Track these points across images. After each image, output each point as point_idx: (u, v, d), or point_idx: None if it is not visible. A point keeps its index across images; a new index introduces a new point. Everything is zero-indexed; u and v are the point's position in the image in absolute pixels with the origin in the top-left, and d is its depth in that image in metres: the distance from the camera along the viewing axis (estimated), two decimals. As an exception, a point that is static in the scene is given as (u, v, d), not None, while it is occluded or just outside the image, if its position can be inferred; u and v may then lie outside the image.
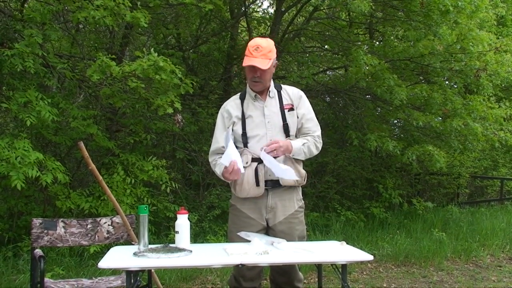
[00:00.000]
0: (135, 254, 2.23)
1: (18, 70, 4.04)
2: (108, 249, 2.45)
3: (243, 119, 2.67)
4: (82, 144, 3.00)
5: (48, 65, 4.60)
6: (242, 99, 2.73)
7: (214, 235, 5.57)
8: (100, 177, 3.12)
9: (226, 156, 2.48)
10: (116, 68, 4.10)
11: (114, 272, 3.65)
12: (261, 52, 2.57)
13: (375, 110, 7.76)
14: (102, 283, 2.91)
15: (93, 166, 3.02)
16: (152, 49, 4.20)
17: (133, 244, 2.94)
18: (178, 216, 2.43)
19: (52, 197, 4.98)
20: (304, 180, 2.71)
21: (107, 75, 4.23)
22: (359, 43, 7.48)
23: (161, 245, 2.38)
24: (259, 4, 9.28)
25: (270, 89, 2.72)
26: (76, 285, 2.88)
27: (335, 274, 3.68)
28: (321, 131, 2.81)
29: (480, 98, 7.01)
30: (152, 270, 3.05)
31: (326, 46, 8.56)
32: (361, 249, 2.55)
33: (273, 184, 2.61)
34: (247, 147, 2.64)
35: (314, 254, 2.29)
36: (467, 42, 6.29)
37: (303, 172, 2.70)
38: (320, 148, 2.75)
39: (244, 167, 2.54)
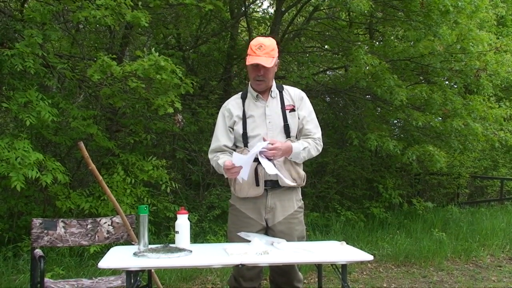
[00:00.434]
0: (135, 254, 2.23)
1: (18, 70, 4.04)
2: (108, 249, 2.45)
3: (244, 118, 2.67)
4: (82, 144, 3.00)
5: (48, 65, 4.60)
6: (244, 98, 2.73)
7: (214, 235, 5.57)
8: (100, 177, 3.12)
9: (240, 159, 2.47)
10: (117, 68, 4.10)
11: (114, 272, 3.65)
12: (265, 51, 2.58)
13: (375, 110, 7.76)
14: (102, 283, 2.91)
15: (93, 166, 3.02)
16: (153, 49, 4.20)
17: (133, 244, 2.94)
18: (178, 216, 2.43)
19: (52, 197, 4.98)
20: (304, 181, 2.71)
21: (107, 75, 4.22)
22: (359, 43, 7.47)
23: (161, 245, 2.38)
24: (259, 4, 9.28)
25: (272, 89, 2.72)
26: (76, 285, 2.88)
27: (335, 274, 3.68)
28: (321, 131, 2.81)
29: (480, 98, 7.01)
30: (152, 270, 3.05)
31: (326, 46, 8.57)
32: (361, 249, 2.55)
33: (273, 184, 2.61)
34: (247, 146, 2.64)
35: (314, 254, 2.29)
36: (467, 42, 6.29)
37: (303, 173, 2.70)
38: (320, 150, 2.75)
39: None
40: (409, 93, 6.64)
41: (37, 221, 2.93)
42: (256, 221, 2.65)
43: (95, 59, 4.35)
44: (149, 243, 2.39)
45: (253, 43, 2.62)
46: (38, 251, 2.81)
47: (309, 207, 6.85)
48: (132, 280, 2.14)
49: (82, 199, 4.85)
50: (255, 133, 2.64)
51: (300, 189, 2.79)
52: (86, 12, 4.07)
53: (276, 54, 2.65)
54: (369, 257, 2.28)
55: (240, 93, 2.79)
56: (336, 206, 7.15)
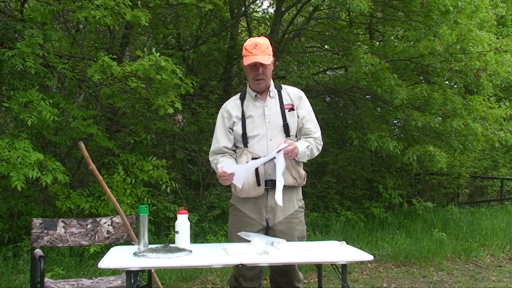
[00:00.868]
0: (135, 254, 2.23)
1: (18, 70, 4.04)
2: (108, 249, 2.45)
3: (243, 119, 2.67)
4: (82, 144, 3.00)
5: (48, 65, 4.60)
6: (242, 99, 2.73)
7: (214, 235, 5.57)
8: (100, 177, 3.12)
9: (235, 168, 2.51)
10: (117, 68, 4.10)
11: (114, 272, 3.65)
12: (261, 49, 2.58)
13: (375, 110, 7.76)
14: (102, 283, 2.91)
15: (93, 166, 3.02)
16: (154, 49, 4.20)
17: (133, 244, 2.94)
18: (178, 216, 2.43)
19: (52, 197, 4.98)
20: (304, 181, 2.72)
21: (107, 75, 4.23)
22: (359, 43, 7.47)
23: (161, 245, 2.38)
24: (259, 4, 9.29)
25: (270, 89, 2.72)
26: (76, 285, 2.88)
27: (335, 274, 3.68)
28: (321, 131, 2.81)
29: (480, 98, 7.01)
30: (152, 270, 3.05)
31: (326, 46, 8.56)
32: (361, 249, 2.56)
33: (273, 184, 2.61)
34: (247, 147, 2.64)
35: (314, 254, 2.29)
36: (467, 42, 6.29)
37: (303, 172, 2.70)
38: (320, 150, 2.76)
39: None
40: (409, 92, 6.64)
41: (37, 221, 2.93)
42: (256, 221, 2.65)
43: (95, 59, 4.35)
44: (149, 243, 2.39)
45: (247, 43, 2.63)
46: (38, 251, 2.81)
47: (309, 207, 6.85)
48: (132, 280, 2.14)
49: (82, 199, 4.85)
50: (255, 133, 2.64)
51: (300, 188, 2.79)
52: (85, 12, 4.07)
53: (271, 52, 2.66)
54: (369, 257, 2.28)
55: (239, 94, 2.80)
56: (336, 206, 7.15)
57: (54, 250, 4.64)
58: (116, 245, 2.87)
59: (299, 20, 8.66)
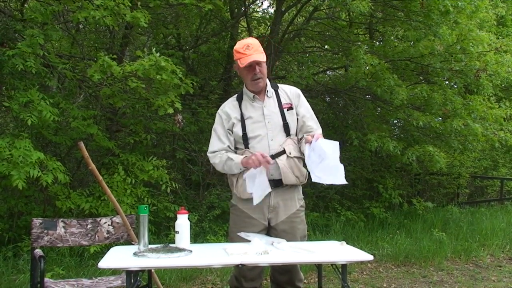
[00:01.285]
0: (135, 254, 2.23)
1: (19, 70, 4.04)
2: (108, 249, 2.45)
3: (243, 120, 2.66)
4: (82, 144, 3.00)
5: (49, 65, 4.60)
6: (240, 100, 2.72)
7: (214, 235, 5.57)
8: (100, 177, 3.12)
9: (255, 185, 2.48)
10: (117, 68, 4.10)
11: (114, 272, 3.65)
12: (253, 49, 2.58)
13: (375, 110, 7.76)
14: (102, 283, 2.91)
15: (93, 166, 3.02)
16: (154, 49, 4.20)
17: (133, 244, 2.94)
18: (178, 216, 2.43)
19: (52, 197, 4.98)
20: (305, 179, 2.71)
21: (107, 75, 4.23)
22: (359, 43, 7.47)
23: (161, 245, 2.38)
24: (259, 4, 9.28)
25: (267, 88, 2.72)
26: (76, 285, 2.88)
27: (335, 274, 3.68)
28: (321, 131, 2.81)
29: (480, 98, 7.01)
30: (152, 270, 3.05)
31: (326, 46, 8.57)
32: (361, 249, 2.55)
33: (276, 184, 2.61)
34: (248, 148, 2.64)
35: (314, 254, 2.29)
36: (467, 43, 6.29)
37: (304, 171, 2.70)
38: None
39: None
40: (409, 92, 6.63)
41: (37, 221, 2.93)
42: (258, 221, 2.65)
43: (95, 59, 4.35)
44: (149, 243, 2.39)
45: (238, 46, 2.62)
46: (38, 251, 2.81)
47: (309, 207, 6.85)
48: (132, 280, 2.14)
49: (82, 199, 4.85)
50: (256, 134, 2.64)
51: (301, 187, 2.79)
52: (85, 12, 4.07)
53: (263, 50, 2.66)
54: (369, 257, 2.28)
55: (235, 95, 2.78)
56: (336, 206, 7.15)
57: (54, 250, 4.64)
58: (116, 245, 2.87)
59: (299, 20, 8.66)
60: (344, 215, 6.79)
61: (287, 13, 7.90)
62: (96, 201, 4.87)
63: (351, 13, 7.77)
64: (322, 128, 2.82)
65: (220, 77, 7.94)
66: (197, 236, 5.51)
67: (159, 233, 5.50)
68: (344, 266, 2.26)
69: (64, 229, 3.01)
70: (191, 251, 2.29)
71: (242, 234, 2.56)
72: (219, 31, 7.77)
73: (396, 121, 8.08)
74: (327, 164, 2.38)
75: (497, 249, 5.90)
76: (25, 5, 5.91)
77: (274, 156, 2.58)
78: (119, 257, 2.22)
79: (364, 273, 4.93)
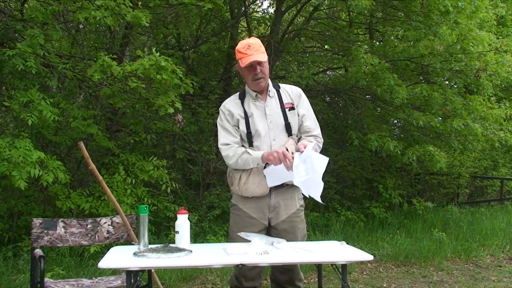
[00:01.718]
0: (135, 254, 2.23)
1: (19, 70, 4.04)
2: (108, 249, 2.45)
3: (246, 117, 2.66)
4: (82, 144, 3.00)
5: (49, 65, 4.60)
6: (242, 99, 2.72)
7: (214, 235, 5.57)
8: (100, 177, 3.12)
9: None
10: (117, 68, 4.10)
11: (114, 272, 3.65)
12: (254, 48, 2.58)
13: (375, 110, 7.76)
14: (102, 283, 2.91)
15: (93, 166, 3.02)
16: (154, 49, 4.20)
17: (133, 244, 2.94)
18: (178, 216, 2.43)
19: (52, 197, 4.98)
20: None
21: (107, 75, 4.23)
22: (359, 43, 7.47)
23: (161, 245, 2.38)
24: (259, 4, 9.28)
25: (269, 88, 2.72)
26: (76, 285, 2.89)
27: (335, 274, 3.68)
28: (321, 131, 2.81)
29: (480, 98, 7.01)
30: (152, 270, 3.05)
31: (326, 46, 8.57)
32: (361, 249, 2.55)
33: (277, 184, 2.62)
34: (252, 146, 2.63)
35: (314, 254, 2.29)
36: (467, 42, 6.29)
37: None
38: (321, 147, 2.76)
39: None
40: (409, 92, 6.63)
41: (37, 221, 2.93)
42: (258, 221, 2.65)
43: (95, 59, 4.35)
44: (149, 243, 2.38)
45: (239, 46, 2.62)
46: (38, 251, 2.81)
47: (309, 207, 6.85)
48: (132, 280, 2.14)
49: (82, 199, 4.85)
50: (258, 133, 2.64)
51: (300, 187, 2.79)
52: (86, 13, 4.07)
53: (265, 50, 2.66)
54: (369, 257, 2.28)
55: (237, 93, 2.78)
56: (336, 206, 7.15)
57: (54, 250, 4.64)
58: (116, 245, 2.88)
59: (299, 20, 8.66)
60: (344, 215, 6.79)
61: (287, 13, 7.91)
62: (96, 201, 4.87)
63: (351, 13, 7.77)
64: (322, 128, 2.83)
65: (220, 77, 7.94)
66: (197, 236, 5.51)
67: (159, 233, 5.50)
68: (344, 266, 2.26)
69: (64, 229, 3.01)
70: (191, 251, 2.29)
71: (242, 234, 2.56)
72: (219, 31, 7.77)
73: (396, 121, 8.08)
74: (311, 179, 2.45)
75: (497, 249, 5.90)
76: (25, 5, 5.91)
77: None
78: (119, 257, 2.22)
79: (364, 273, 4.93)
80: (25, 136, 4.13)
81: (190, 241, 2.47)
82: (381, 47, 7.53)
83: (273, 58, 6.59)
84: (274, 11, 7.59)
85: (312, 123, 2.74)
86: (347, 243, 2.51)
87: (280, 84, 2.81)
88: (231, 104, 2.72)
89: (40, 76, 4.60)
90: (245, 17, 7.71)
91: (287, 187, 2.65)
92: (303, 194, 2.60)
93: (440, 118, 6.97)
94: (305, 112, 2.73)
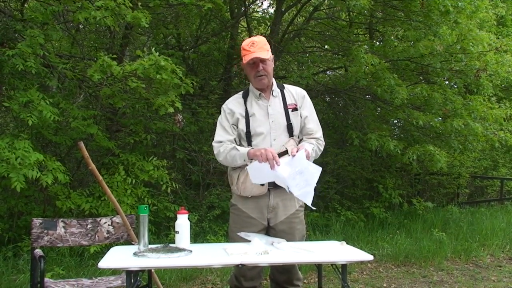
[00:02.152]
0: (135, 254, 2.23)
1: (19, 70, 4.04)
2: (108, 249, 2.45)
3: (247, 117, 2.66)
4: (82, 144, 3.00)
5: (49, 65, 4.60)
6: (245, 97, 2.72)
7: (214, 235, 5.57)
8: (100, 177, 3.12)
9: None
10: (117, 68, 4.10)
11: (114, 272, 3.65)
12: (258, 46, 2.60)
13: (375, 110, 7.77)
14: (102, 283, 2.91)
15: (93, 166, 3.02)
16: (153, 48, 4.20)
17: (133, 244, 2.94)
18: (178, 216, 2.43)
19: (52, 197, 4.98)
20: None
21: (107, 75, 4.23)
22: (359, 43, 7.47)
23: (161, 245, 2.38)
24: (259, 4, 9.28)
25: (273, 88, 2.72)
26: (76, 285, 2.89)
27: (335, 274, 3.68)
28: (321, 134, 2.81)
29: (480, 98, 7.01)
30: (152, 270, 3.05)
31: (326, 46, 8.57)
32: (361, 249, 2.55)
33: (275, 184, 2.61)
34: (251, 145, 2.63)
35: (314, 254, 2.29)
36: (467, 42, 6.29)
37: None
38: (322, 150, 2.76)
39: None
40: (409, 92, 6.64)
41: (37, 221, 2.93)
42: (258, 221, 2.65)
43: (95, 59, 4.35)
44: (149, 243, 2.38)
45: (244, 43, 2.64)
46: (38, 251, 2.81)
47: (309, 207, 6.84)
48: (132, 280, 2.14)
49: (82, 199, 4.85)
50: (259, 132, 2.63)
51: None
52: (86, 13, 4.07)
53: (269, 48, 2.66)
54: (369, 257, 2.28)
55: (241, 92, 2.78)
56: (336, 206, 7.15)
57: (54, 250, 4.64)
58: (116, 245, 2.87)
59: (299, 20, 8.66)
60: (344, 215, 6.79)
61: (287, 13, 7.91)
62: (96, 201, 4.87)
63: (351, 13, 7.77)
64: (322, 128, 2.83)
65: (220, 77, 7.94)
66: (197, 236, 5.51)
67: (159, 233, 5.50)
68: (344, 266, 2.26)
69: (64, 229, 3.01)
70: (191, 251, 2.29)
71: (242, 234, 2.56)
72: (219, 31, 7.77)
73: (396, 121, 8.08)
74: (303, 186, 2.44)
75: (497, 249, 5.90)
76: (25, 5, 5.91)
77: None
78: (119, 257, 2.22)
79: (364, 273, 4.93)
80: (24, 137, 4.13)
81: (190, 241, 2.47)
82: (381, 47, 7.53)
83: (273, 58, 6.58)
84: (274, 11, 7.59)
85: (314, 126, 2.74)
86: (347, 243, 2.50)
87: (284, 85, 2.81)
88: (233, 103, 2.73)
89: (40, 76, 4.60)
90: (245, 17, 7.71)
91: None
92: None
93: (440, 118, 6.97)
94: (308, 114, 2.73)
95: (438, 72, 6.84)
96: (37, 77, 4.66)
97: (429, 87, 6.80)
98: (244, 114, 2.67)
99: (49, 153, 4.98)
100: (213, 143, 2.68)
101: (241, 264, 2.15)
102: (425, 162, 7.07)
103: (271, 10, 8.55)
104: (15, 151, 3.80)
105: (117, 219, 3.14)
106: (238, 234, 2.58)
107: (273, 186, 2.61)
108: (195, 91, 5.72)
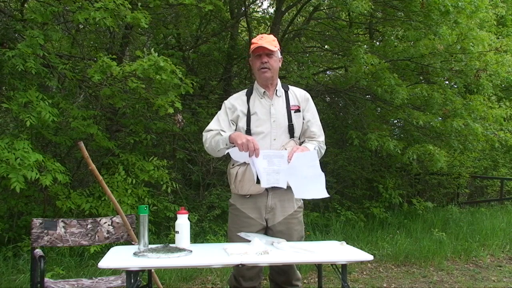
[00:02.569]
0: (135, 254, 2.23)
1: (19, 70, 4.04)
2: (108, 249, 2.45)
3: (248, 115, 2.66)
4: (82, 144, 3.00)
5: (49, 65, 4.60)
6: (249, 95, 2.73)
7: (214, 235, 5.57)
8: (100, 177, 3.12)
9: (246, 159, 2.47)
10: (117, 69, 4.10)
11: (114, 272, 3.65)
12: (266, 40, 2.64)
13: (375, 110, 7.77)
14: (102, 283, 2.91)
15: (93, 166, 3.02)
16: (153, 49, 4.20)
17: (133, 244, 2.94)
18: (178, 216, 2.43)
19: (52, 197, 4.98)
20: None
21: (107, 75, 4.23)
22: (359, 43, 7.47)
23: (161, 245, 2.38)
24: (259, 4, 9.29)
25: (277, 88, 2.73)
26: (76, 285, 2.89)
27: (335, 274, 3.68)
28: (324, 138, 2.81)
29: (480, 98, 7.01)
30: (152, 270, 3.05)
31: (326, 46, 8.57)
32: (361, 249, 2.55)
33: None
34: None
35: (314, 254, 2.29)
36: (467, 42, 6.29)
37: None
38: (323, 153, 2.76)
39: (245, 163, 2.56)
40: (409, 92, 6.63)
41: (37, 221, 2.93)
42: (256, 221, 2.65)
43: (95, 59, 4.35)
44: (149, 243, 2.38)
45: (254, 39, 2.69)
46: (38, 251, 2.81)
47: (309, 207, 6.86)
48: (132, 280, 2.14)
49: (83, 199, 4.85)
50: (259, 131, 2.63)
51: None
52: (85, 13, 4.07)
53: (278, 46, 2.68)
54: (369, 257, 2.27)
55: (245, 90, 2.79)
56: (336, 206, 7.15)
57: (54, 250, 4.64)
58: (116, 245, 2.87)
59: (299, 20, 8.66)
60: (344, 215, 6.79)
61: (287, 13, 7.91)
62: (96, 201, 4.88)
63: (351, 13, 7.77)
64: (322, 128, 2.83)
65: (220, 77, 7.94)
66: (197, 236, 5.51)
67: (159, 233, 5.50)
68: (344, 266, 2.26)
69: (64, 229, 3.01)
70: (191, 251, 2.29)
71: (242, 234, 2.56)
72: (219, 31, 7.77)
73: (396, 121, 8.08)
74: (311, 177, 2.47)
75: (497, 249, 5.90)
76: (25, 5, 5.91)
77: None
78: (119, 257, 2.22)
79: (364, 273, 4.93)
80: (24, 137, 4.13)
81: (190, 241, 2.47)
82: (381, 47, 7.53)
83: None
84: (274, 11, 7.59)
85: (317, 129, 2.75)
86: (347, 243, 2.50)
87: (289, 86, 2.81)
88: (236, 100, 2.73)
89: (40, 76, 4.60)
90: (245, 17, 7.71)
91: (284, 188, 2.64)
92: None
93: (440, 118, 6.97)
94: (311, 117, 2.74)
95: (438, 72, 6.84)
96: (37, 78, 4.66)
97: (429, 87, 6.80)
98: (245, 112, 2.67)
99: (49, 153, 4.99)
100: (203, 132, 2.69)
101: (241, 264, 2.15)
102: (425, 162, 7.07)
103: (271, 10, 8.56)
104: (14, 152, 3.80)
105: (117, 219, 3.14)
106: (238, 234, 2.58)
107: (271, 187, 2.61)
108: (195, 91, 5.73)
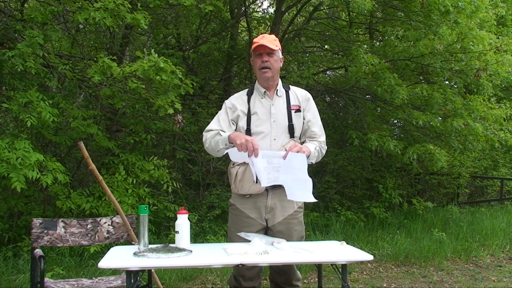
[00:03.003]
0: (135, 254, 2.23)
1: (19, 70, 4.04)
2: (108, 249, 2.45)
3: (249, 115, 2.66)
4: (82, 144, 3.00)
5: (49, 65, 4.60)
6: (249, 95, 2.73)
7: (214, 235, 5.57)
8: (100, 177, 3.12)
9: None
10: (117, 69, 4.10)
11: (114, 272, 3.66)
12: (267, 39, 2.64)
13: (375, 110, 7.77)
14: (102, 283, 2.91)
15: (93, 166, 3.02)
16: (153, 50, 4.20)
17: (133, 244, 2.94)
18: (178, 216, 2.43)
19: (52, 197, 4.98)
20: None
21: (107, 75, 4.23)
22: (359, 43, 7.47)
23: (161, 245, 2.38)
24: (259, 4, 9.29)
25: (278, 87, 2.72)
26: (76, 285, 2.89)
27: (335, 274, 3.68)
28: (324, 139, 2.81)
29: (480, 98, 7.01)
30: (152, 270, 3.05)
31: (326, 46, 8.57)
32: (361, 249, 2.55)
33: (273, 185, 2.61)
34: None
35: (314, 254, 2.29)
36: (467, 42, 6.29)
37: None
38: (324, 154, 2.76)
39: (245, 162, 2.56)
40: (409, 92, 6.64)
41: (37, 221, 2.93)
42: (256, 221, 2.65)
43: (96, 59, 4.35)
44: (149, 243, 2.39)
45: (256, 38, 2.69)
46: (38, 251, 2.81)
47: (309, 207, 6.85)
48: (132, 280, 2.14)
49: (83, 199, 4.85)
50: (259, 130, 2.63)
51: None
52: (85, 14, 4.07)
53: (279, 46, 2.68)
54: (369, 257, 2.28)
55: (246, 89, 2.79)
56: (336, 206, 7.15)
57: (54, 250, 4.64)
58: (116, 245, 2.87)
59: (299, 20, 8.66)
60: (344, 215, 6.79)
61: (287, 13, 7.91)
62: (97, 201, 4.88)
63: (351, 13, 7.77)
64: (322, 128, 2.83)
65: (220, 77, 7.94)
66: (197, 236, 5.51)
67: (159, 233, 5.51)
68: (344, 266, 2.26)
69: (64, 229, 3.01)
70: (191, 251, 2.29)
71: (242, 234, 2.56)
72: (219, 31, 7.77)
73: (396, 121, 8.08)
74: (297, 180, 2.48)
75: (497, 249, 5.90)
76: (25, 5, 5.91)
77: None
78: (119, 257, 2.22)
79: (364, 273, 4.93)
80: (24, 137, 4.13)
81: (190, 241, 2.47)
82: (381, 47, 7.53)
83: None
84: (274, 11, 7.59)
85: (318, 130, 2.74)
86: (347, 243, 2.50)
87: (290, 86, 2.81)
88: (236, 100, 2.73)
89: (40, 76, 4.60)
90: (245, 17, 7.71)
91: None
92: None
93: (440, 118, 6.97)
94: (312, 117, 2.74)
95: (438, 72, 6.84)
96: (37, 78, 4.66)
97: (429, 87, 6.79)
98: (246, 111, 2.67)
99: (49, 153, 4.99)
100: (203, 132, 2.68)
101: (241, 264, 2.15)
102: (425, 162, 7.07)
103: (271, 10, 8.56)
104: (15, 151, 3.81)
105: (117, 219, 3.14)
106: (238, 234, 2.58)
107: (271, 187, 2.61)
108: (195, 91, 5.72)
